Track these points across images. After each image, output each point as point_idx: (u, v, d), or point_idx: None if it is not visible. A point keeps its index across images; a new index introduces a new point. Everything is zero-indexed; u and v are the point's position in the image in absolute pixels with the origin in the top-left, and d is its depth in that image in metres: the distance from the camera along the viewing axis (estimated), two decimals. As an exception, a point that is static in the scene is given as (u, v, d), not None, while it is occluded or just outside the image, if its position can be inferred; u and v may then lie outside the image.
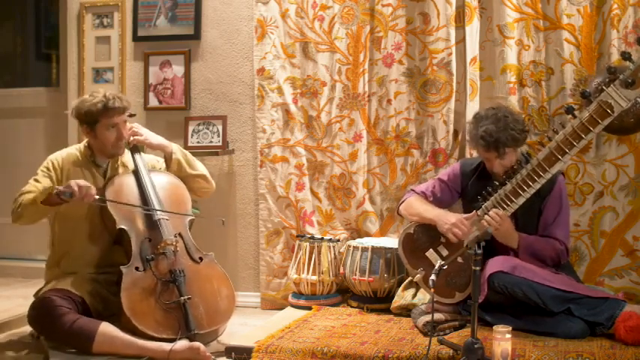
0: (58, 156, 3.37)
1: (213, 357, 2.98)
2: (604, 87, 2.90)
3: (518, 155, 3.23)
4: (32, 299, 3.23)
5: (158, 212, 3.25)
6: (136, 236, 3.21)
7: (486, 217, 3.12)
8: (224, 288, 3.25)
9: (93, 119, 3.26)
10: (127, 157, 3.46)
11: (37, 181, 3.24)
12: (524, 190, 3.07)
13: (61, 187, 3.03)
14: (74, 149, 3.43)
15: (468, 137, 3.31)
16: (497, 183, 3.15)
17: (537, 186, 3.07)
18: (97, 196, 3.09)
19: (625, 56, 2.83)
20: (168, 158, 3.47)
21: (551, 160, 3.02)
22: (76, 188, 2.99)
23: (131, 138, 3.39)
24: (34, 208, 3.10)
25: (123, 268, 3.11)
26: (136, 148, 3.42)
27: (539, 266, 3.14)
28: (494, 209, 3.11)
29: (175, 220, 3.32)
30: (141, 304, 3.03)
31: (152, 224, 3.26)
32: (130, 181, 3.35)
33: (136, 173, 3.37)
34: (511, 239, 3.15)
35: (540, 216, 3.23)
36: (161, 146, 3.46)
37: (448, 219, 3.21)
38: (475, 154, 3.67)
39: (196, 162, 3.54)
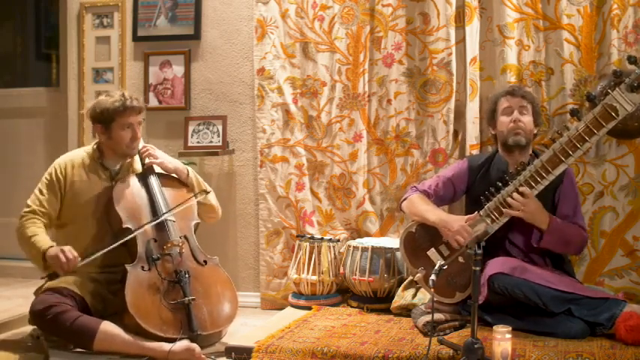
0: (62, 162, 3.36)
1: (213, 357, 2.99)
2: (609, 90, 2.91)
3: (534, 138, 3.31)
4: (32, 299, 3.23)
5: (165, 213, 3.26)
6: (142, 236, 3.21)
7: (509, 199, 3.09)
8: (228, 292, 3.26)
9: (109, 118, 3.26)
10: (136, 164, 3.46)
11: (40, 192, 3.28)
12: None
13: (49, 254, 3.05)
14: (82, 151, 3.43)
15: (490, 101, 3.41)
16: (500, 184, 3.15)
17: (540, 187, 3.06)
18: (80, 263, 3.08)
19: (631, 60, 2.83)
20: (183, 182, 3.47)
21: (555, 161, 3.02)
22: (58, 267, 3.02)
23: (147, 160, 3.39)
24: (24, 250, 3.19)
25: (128, 267, 3.11)
26: (151, 170, 3.40)
27: (548, 269, 3.15)
28: (520, 187, 3.08)
29: (181, 222, 3.33)
30: (145, 303, 3.03)
31: (158, 225, 3.26)
32: (137, 182, 3.36)
33: (144, 175, 3.37)
34: (540, 220, 3.12)
35: (554, 207, 3.23)
36: (177, 170, 3.45)
37: (451, 225, 3.19)
38: (475, 152, 3.68)
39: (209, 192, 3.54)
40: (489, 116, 3.39)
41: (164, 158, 3.44)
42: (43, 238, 3.16)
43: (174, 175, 3.46)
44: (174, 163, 3.46)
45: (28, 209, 3.25)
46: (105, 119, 3.28)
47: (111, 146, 3.34)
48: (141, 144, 3.43)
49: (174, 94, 4.28)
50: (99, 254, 3.12)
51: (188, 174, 3.46)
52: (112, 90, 3.38)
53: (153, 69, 4.30)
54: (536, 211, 3.10)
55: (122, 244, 3.28)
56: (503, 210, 3.10)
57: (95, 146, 3.40)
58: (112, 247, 3.12)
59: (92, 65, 4.44)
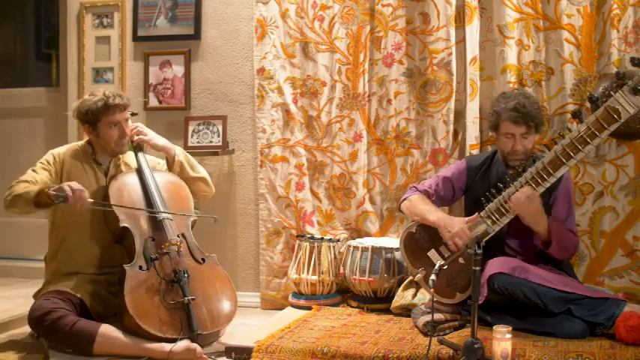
0: (60, 150, 3.37)
1: (213, 357, 2.99)
2: (612, 92, 2.91)
3: (534, 147, 3.25)
4: (32, 299, 3.23)
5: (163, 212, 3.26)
6: (140, 235, 3.21)
7: (513, 197, 3.06)
8: (227, 290, 3.25)
9: (94, 118, 3.26)
10: (129, 157, 3.46)
11: (34, 171, 3.23)
12: None
13: (55, 187, 2.99)
14: (75, 145, 3.43)
15: (492, 113, 3.26)
16: (501, 185, 3.14)
17: (541, 189, 3.06)
18: (91, 200, 3.06)
19: (634, 62, 2.83)
20: (170, 160, 3.47)
21: (557, 163, 3.01)
22: (70, 193, 2.94)
23: (135, 137, 3.39)
24: (24, 201, 3.06)
25: (126, 267, 3.11)
26: (139, 148, 3.42)
27: (548, 269, 3.15)
28: (522, 188, 3.06)
29: (178, 220, 3.32)
30: (145, 304, 3.03)
31: (156, 224, 3.26)
32: (133, 180, 3.35)
33: (139, 172, 3.37)
34: (539, 221, 3.09)
35: (549, 211, 3.22)
36: (165, 148, 3.46)
37: (451, 227, 3.19)
38: (475, 152, 3.68)
39: (198, 165, 3.55)
40: (492, 126, 3.29)
41: (153, 135, 3.45)
42: (38, 186, 3.08)
43: (162, 151, 3.47)
44: (162, 140, 3.47)
45: (17, 180, 3.16)
46: (91, 119, 3.27)
47: (100, 145, 3.34)
48: (131, 124, 3.43)
49: (175, 94, 4.28)
50: (114, 206, 3.14)
51: (176, 151, 3.47)
52: (98, 89, 3.37)
53: (153, 69, 4.30)
54: (537, 213, 3.08)
55: (120, 242, 3.28)
56: (507, 207, 3.09)
57: (87, 142, 3.40)
58: (117, 206, 3.16)
59: (92, 65, 4.44)
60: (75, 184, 3.00)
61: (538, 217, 3.09)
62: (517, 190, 3.08)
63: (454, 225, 3.19)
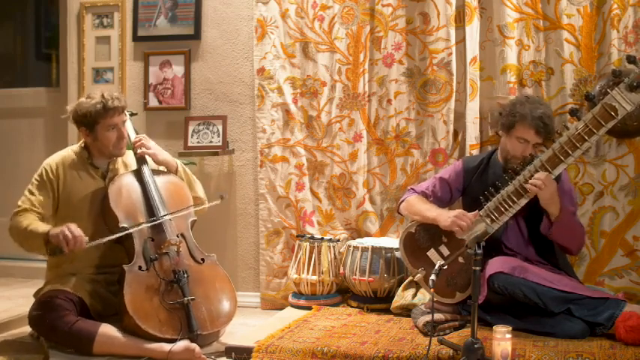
0: (52, 162, 3.32)
1: (213, 357, 2.99)
2: (608, 90, 2.91)
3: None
4: (32, 299, 3.23)
5: (161, 212, 3.24)
6: (139, 235, 3.20)
7: (530, 181, 3.02)
8: (226, 290, 3.25)
9: (92, 121, 3.24)
10: (128, 156, 3.45)
11: (32, 193, 3.22)
12: (526, 192, 3.06)
13: (53, 233, 2.98)
14: (69, 151, 3.39)
15: (513, 114, 3.16)
16: (499, 184, 3.14)
17: (540, 187, 3.06)
18: (88, 243, 3.03)
19: (630, 60, 2.83)
20: (178, 179, 3.47)
21: (554, 161, 3.02)
22: (64, 242, 2.95)
23: (139, 150, 3.37)
24: (26, 244, 3.12)
25: (125, 267, 3.10)
26: (143, 160, 3.39)
27: (548, 268, 3.15)
28: (537, 173, 3.03)
29: (178, 220, 3.31)
30: (144, 304, 3.03)
31: (155, 224, 3.25)
32: (132, 180, 3.34)
33: (139, 173, 3.36)
34: (554, 204, 3.07)
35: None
36: (166, 162, 3.45)
37: (449, 214, 3.20)
38: (475, 152, 3.68)
39: (196, 183, 3.54)
40: (506, 125, 3.21)
41: (156, 149, 3.43)
42: (40, 224, 3.10)
43: (163, 167, 3.45)
44: (164, 155, 3.45)
45: (18, 209, 3.19)
46: (88, 122, 3.25)
47: (98, 147, 3.32)
48: (133, 135, 3.42)
49: (174, 94, 4.28)
50: (106, 239, 3.09)
51: (177, 168, 3.46)
52: (95, 92, 3.35)
53: (153, 69, 4.30)
54: (555, 193, 3.06)
55: (120, 242, 3.28)
56: (527, 187, 3.03)
57: (82, 145, 3.38)
58: (114, 237, 3.11)
59: (92, 65, 4.44)
60: (71, 232, 2.97)
61: (555, 197, 3.06)
62: (515, 189, 3.08)
63: (452, 212, 3.20)
